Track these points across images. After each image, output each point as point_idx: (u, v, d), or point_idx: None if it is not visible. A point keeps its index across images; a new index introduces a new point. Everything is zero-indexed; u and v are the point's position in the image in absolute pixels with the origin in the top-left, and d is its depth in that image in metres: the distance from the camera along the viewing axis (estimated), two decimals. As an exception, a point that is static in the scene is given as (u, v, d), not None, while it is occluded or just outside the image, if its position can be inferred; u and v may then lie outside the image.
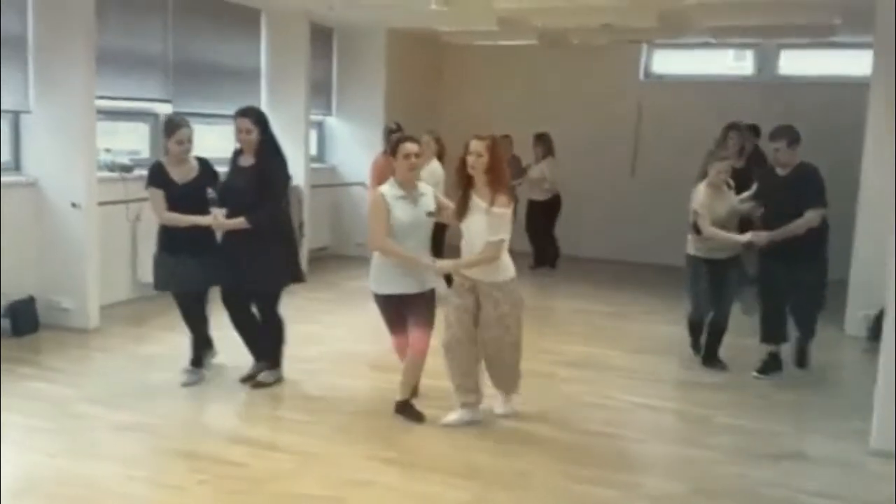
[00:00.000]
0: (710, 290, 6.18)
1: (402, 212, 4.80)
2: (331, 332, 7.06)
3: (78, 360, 6.12)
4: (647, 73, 11.36)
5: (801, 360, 6.29)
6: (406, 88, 11.09)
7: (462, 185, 4.77)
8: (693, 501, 4.12)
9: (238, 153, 5.43)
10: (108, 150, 7.57)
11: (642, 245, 10.62)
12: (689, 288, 6.34)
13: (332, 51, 10.96)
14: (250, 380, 5.54)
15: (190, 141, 5.41)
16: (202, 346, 5.68)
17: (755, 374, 6.09)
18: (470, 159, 4.65)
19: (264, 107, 9.59)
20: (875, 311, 6.59)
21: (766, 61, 10.85)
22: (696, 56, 11.43)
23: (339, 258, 10.53)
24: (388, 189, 4.85)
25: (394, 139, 5.10)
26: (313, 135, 10.58)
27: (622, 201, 11.06)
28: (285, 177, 5.44)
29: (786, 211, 5.77)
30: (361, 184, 10.02)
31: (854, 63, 9.63)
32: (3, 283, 6.51)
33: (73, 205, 6.65)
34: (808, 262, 5.89)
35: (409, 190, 4.87)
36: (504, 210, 4.61)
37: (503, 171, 4.75)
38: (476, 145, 4.65)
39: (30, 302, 6.76)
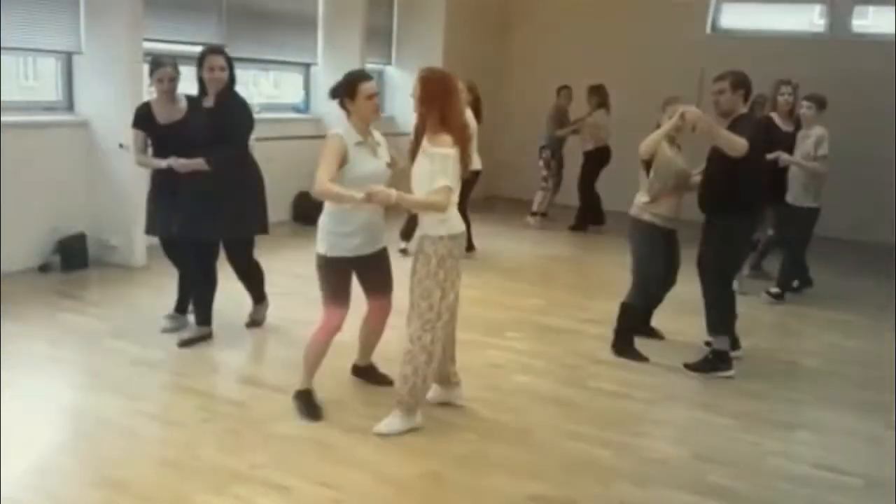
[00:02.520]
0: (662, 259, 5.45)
1: (361, 162, 4.20)
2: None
3: (118, 296, 6.31)
4: (715, 28, 10.95)
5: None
6: (467, 39, 10.94)
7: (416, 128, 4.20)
8: (689, 466, 4.04)
9: (202, 95, 5.18)
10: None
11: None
12: (647, 265, 5.43)
13: (393, -1, 10.88)
14: (254, 325, 5.67)
15: (172, 80, 5.31)
16: (189, 293, 5.57)
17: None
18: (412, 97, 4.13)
19: (320, 54, 9.72)
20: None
21: (838, 17, 10.32)
22: (765, 10, 10.96)
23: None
24: (346, 133, 4.22)
25: (348, 78, 4.36)
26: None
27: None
28: (249, 121, 5.26)
29: (722, 167, 5.04)
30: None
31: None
32: (56, 220, 6.77)
33: (121, 145, 6.80)
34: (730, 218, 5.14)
35: (367, 137, 4.31)
36: (443, 150, 3.97)
37: (445, 108, 4.03)
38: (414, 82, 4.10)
39: (80, 238, 7.00)
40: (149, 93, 5.72)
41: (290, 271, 6.91)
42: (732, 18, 11.02)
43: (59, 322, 5.56)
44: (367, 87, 4.23)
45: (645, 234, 5.41)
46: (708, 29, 10.92)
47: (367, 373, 4.81)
